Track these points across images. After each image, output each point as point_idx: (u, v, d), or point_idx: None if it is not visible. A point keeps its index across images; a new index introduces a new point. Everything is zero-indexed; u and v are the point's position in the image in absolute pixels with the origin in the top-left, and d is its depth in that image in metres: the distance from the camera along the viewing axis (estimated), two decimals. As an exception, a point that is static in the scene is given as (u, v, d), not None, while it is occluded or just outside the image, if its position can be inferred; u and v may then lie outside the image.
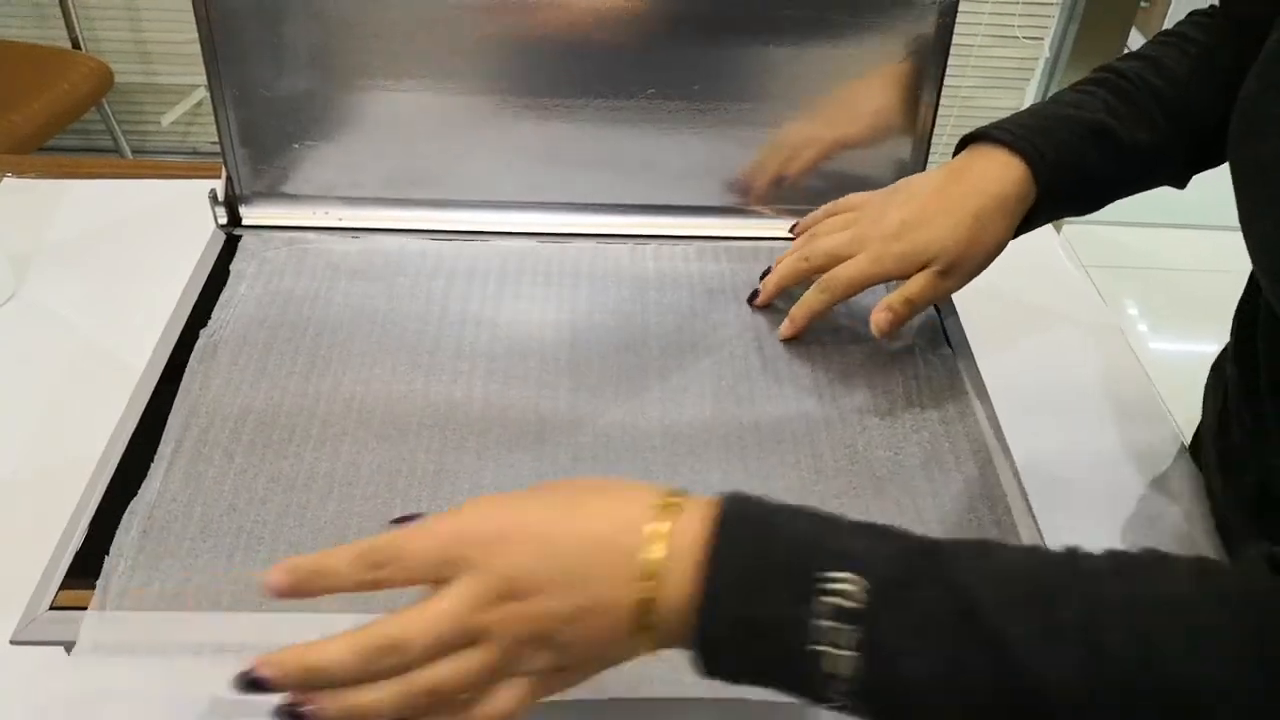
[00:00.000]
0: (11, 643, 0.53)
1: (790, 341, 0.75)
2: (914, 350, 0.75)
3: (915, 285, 0.70)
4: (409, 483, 0.63)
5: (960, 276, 0.70)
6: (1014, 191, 0.68)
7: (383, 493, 0.62)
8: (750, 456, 0.66)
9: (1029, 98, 2.62)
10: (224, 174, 0.82)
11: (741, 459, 0.66)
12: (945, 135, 2.63)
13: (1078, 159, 0.69)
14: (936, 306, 0.79)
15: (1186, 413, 0.91)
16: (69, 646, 0.53)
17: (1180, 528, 0.76)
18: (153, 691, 0.52)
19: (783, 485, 0.64)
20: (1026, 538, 0.62)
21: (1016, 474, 0.66)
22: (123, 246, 1.00)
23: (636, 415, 0.69)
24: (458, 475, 0.64)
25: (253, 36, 0.77)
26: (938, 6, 0.78)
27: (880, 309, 0.71)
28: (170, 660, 0.53)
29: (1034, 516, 0.63)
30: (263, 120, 0.81)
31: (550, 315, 0.77)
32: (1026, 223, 0.71)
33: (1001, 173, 0.69)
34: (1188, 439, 0.86)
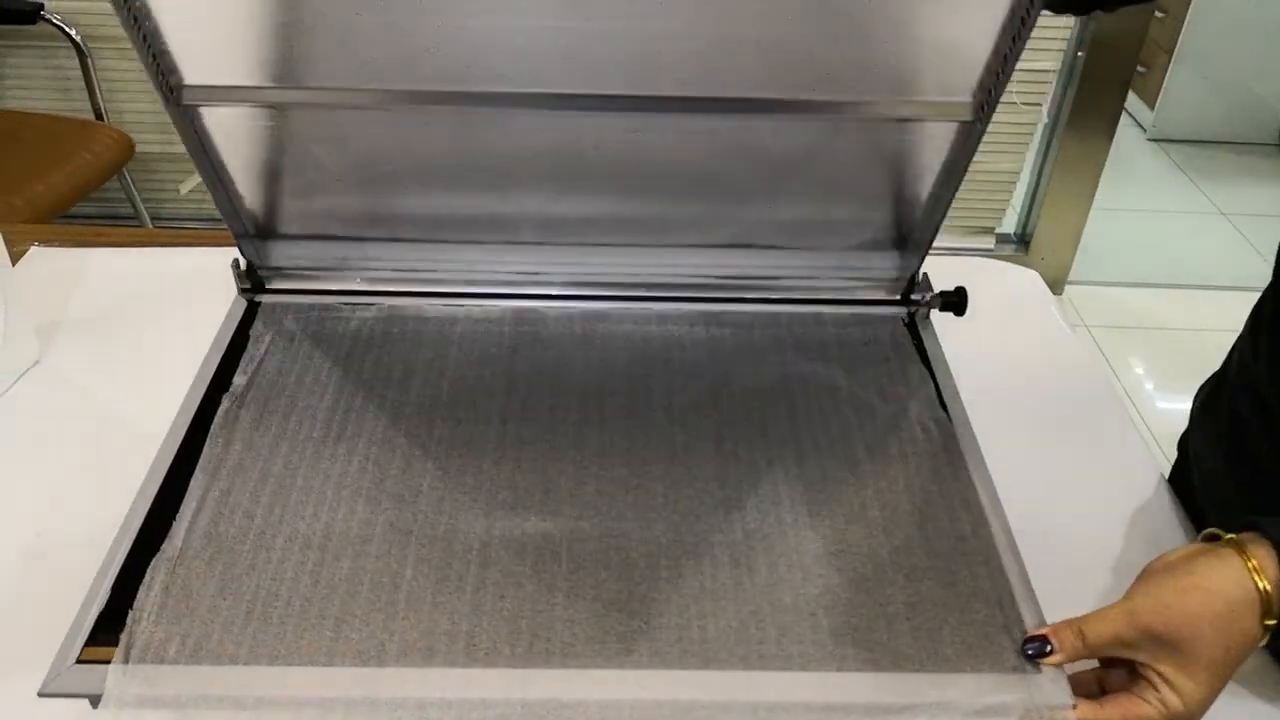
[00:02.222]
0: (39, 695, 0.55)
1: (789, 404, 0.78)
2: (910, 414, 0.78)
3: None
4: (419, 541, 0.65)
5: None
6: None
7: (395, 551, 0.64)
8: (750, 517, 0.69)
9: (1028, 162, 2.65)
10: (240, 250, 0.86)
11: (741, 519, 0.68)
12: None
13: None
14: (933, 374, 0.81)
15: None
16: (94, 700, 0.55)
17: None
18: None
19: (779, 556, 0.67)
20: (1020, 594, 0.64)
21: (1009, 532, 0.68)
22: (146, 314, 1.03)
23: (641, 477, 0.71)
24: (468, 535, 0.66)
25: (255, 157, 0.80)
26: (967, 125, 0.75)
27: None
28: (191, 714, 0.55)
29: (1025, 572, 0.65)
30: (272, 212, 0.84)
31: (562, 379, 0.79)
32: None
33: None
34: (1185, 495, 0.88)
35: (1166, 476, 0.88)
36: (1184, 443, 0.90)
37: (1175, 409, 2.35)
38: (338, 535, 0.65)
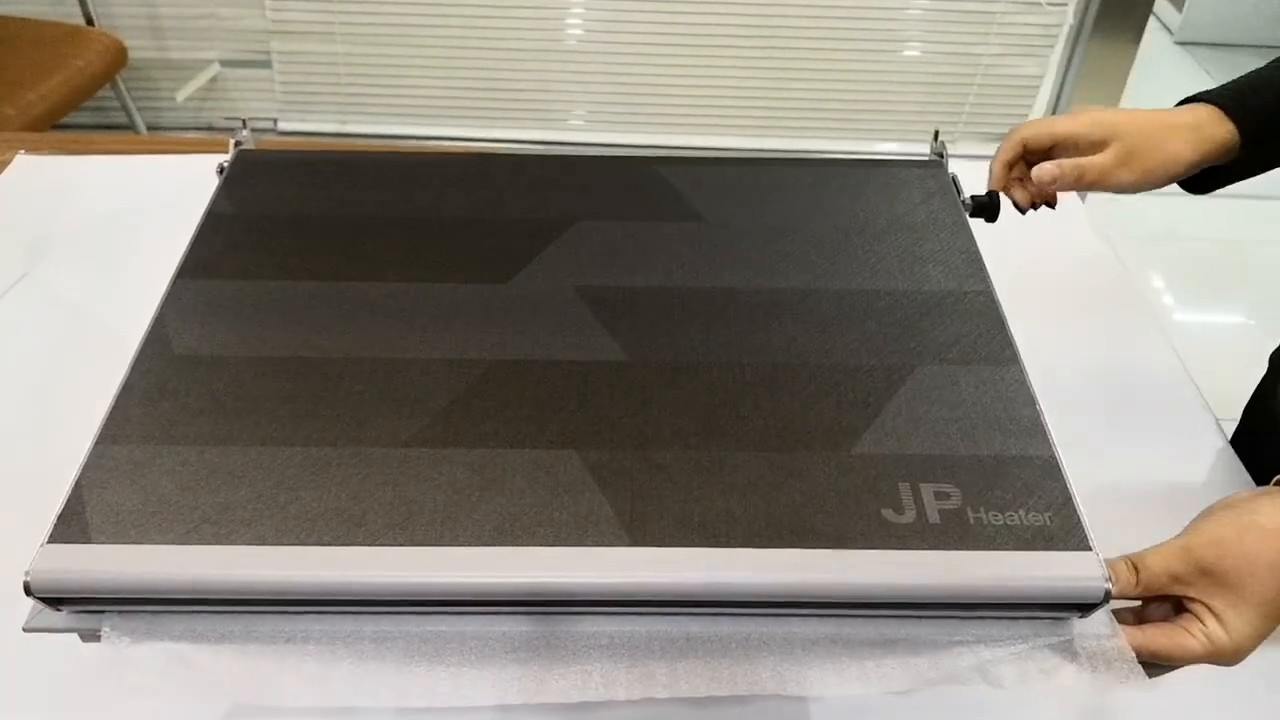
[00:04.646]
0: (25, 630, 0.52)
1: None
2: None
3: (1092, 161, 0.74)
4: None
5: (1133, 172, 0.74)
6: (1208, 123, 0.74)
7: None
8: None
9: (1053, 66, 2.57)
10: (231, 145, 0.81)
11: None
12: (968, 104, 2.60)
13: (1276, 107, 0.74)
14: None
15: (1213, 382, 0.90)
16: (83, 634, 0.52)
17: (1207, 494, 0.75)
18: (169, 682, 0.51)
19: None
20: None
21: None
22: (136, 223, 1.00)
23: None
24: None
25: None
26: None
27: (1050, 163, 0.75)
28: (182, 646, 0.52)
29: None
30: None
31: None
32: (1232, 170, 0.76)
33: (1202, 112, 0.75)
34: (1215, 408, 0.86)
35: (1203, 396, 0.86)
36: (1276, 357, 0.87)
37: (1195, 321, 2.31)
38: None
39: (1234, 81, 0.76)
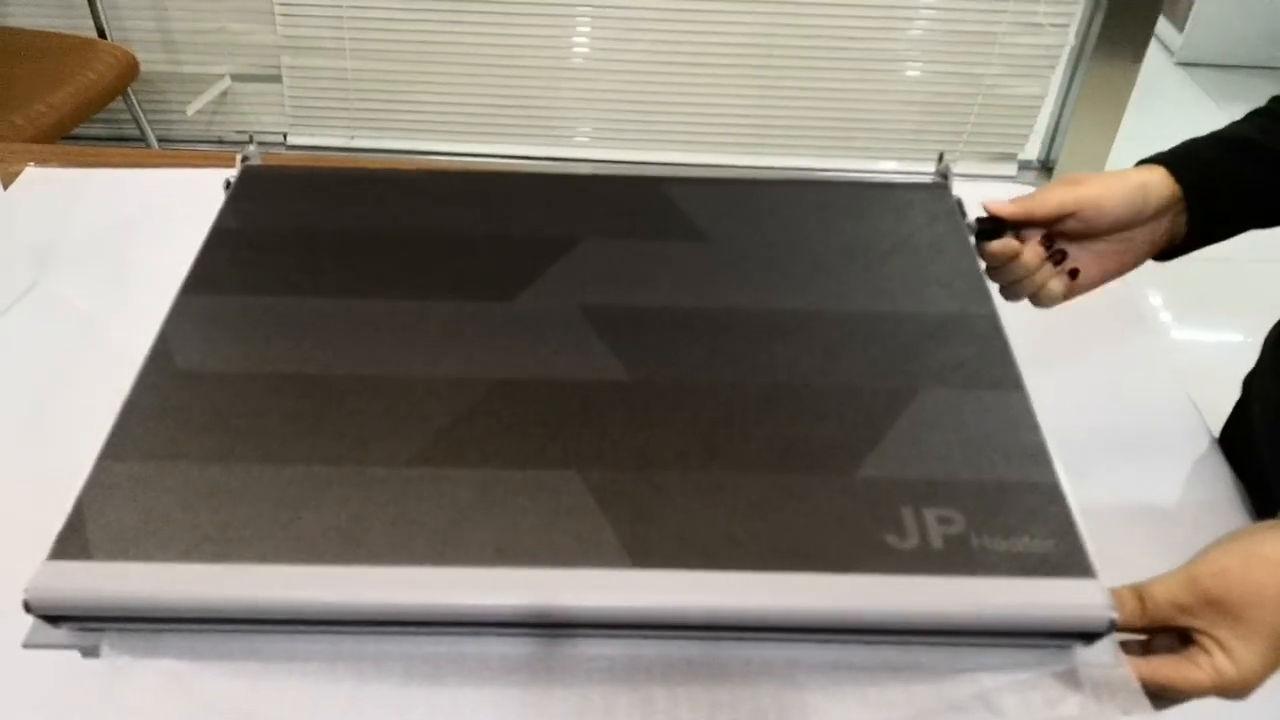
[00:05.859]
0: (24, 646, 0.52)
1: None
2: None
3: (1040, 192, 0.74)
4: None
5: (1076, 191, 0.72)
6: (1155, 183, 0.73)
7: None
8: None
9: (1054, 86, 2.58)
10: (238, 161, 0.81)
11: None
12: (969, 124, 2.60)
13: (1220, 168, 0.73)
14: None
15: (1209, 401, 0.90)
16: (84, 650, 0.52)
17: (1212, 520, 0.76)
18: (169, 700, 0.51)
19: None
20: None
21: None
22: (144, 236, 1.00)
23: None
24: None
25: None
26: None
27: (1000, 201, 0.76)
28: (181, 665, 0.52)
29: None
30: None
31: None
32: (1190, 239, 0.75)
33: (1146, 171, 0.74)
34: (1215, 429, 0.86)
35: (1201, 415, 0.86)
36: (1249, 382, 0.87)
37: (1193, 339, 2.30)
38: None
39: (1177, 145, 0.76)
